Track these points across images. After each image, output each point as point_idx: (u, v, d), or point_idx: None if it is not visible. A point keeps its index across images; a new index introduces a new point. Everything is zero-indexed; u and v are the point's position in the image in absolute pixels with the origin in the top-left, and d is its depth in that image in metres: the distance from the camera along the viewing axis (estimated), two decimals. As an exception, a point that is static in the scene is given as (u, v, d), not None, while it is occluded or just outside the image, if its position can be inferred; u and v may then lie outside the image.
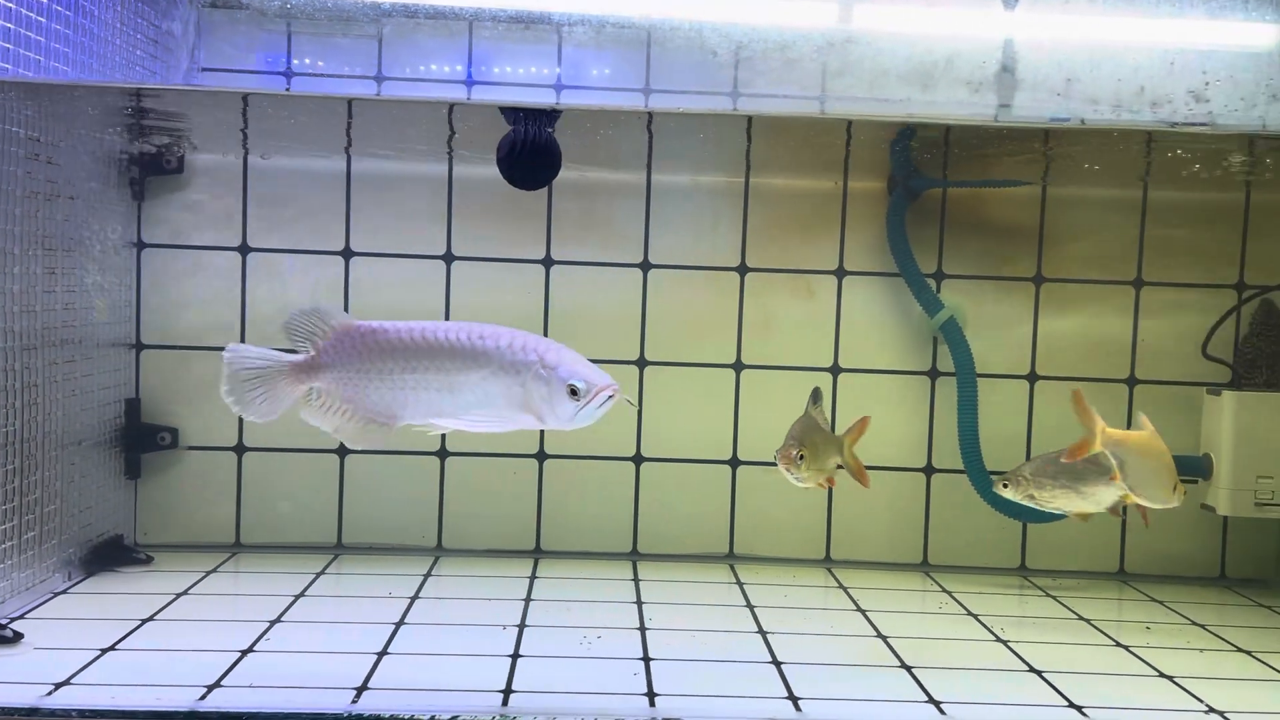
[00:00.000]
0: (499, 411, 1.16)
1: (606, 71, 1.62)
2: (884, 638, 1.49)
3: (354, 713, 1.15)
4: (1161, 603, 1.73)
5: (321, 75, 1.85)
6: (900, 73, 1.43)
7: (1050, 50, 1.43)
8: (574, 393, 1.14)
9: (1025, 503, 1.44)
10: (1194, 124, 1.42)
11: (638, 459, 1.88)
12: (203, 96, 1.69)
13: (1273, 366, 1.78)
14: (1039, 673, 1.36)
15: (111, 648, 1.33)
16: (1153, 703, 1.28)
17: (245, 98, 1.59)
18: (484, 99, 1.75)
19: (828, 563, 1.89)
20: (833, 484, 1.42)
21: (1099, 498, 1.42)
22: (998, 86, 1.43)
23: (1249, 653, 1.48)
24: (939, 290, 1.85)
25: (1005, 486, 1.46)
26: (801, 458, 1.33)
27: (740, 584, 1.75)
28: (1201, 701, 1.28)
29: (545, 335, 1.86)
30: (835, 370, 1.88)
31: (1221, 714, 1.24)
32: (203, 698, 1.17)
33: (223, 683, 1.22)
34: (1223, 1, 1.37)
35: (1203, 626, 1.60)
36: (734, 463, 1.88)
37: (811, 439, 1.35)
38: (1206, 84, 1.36)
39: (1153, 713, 1.25)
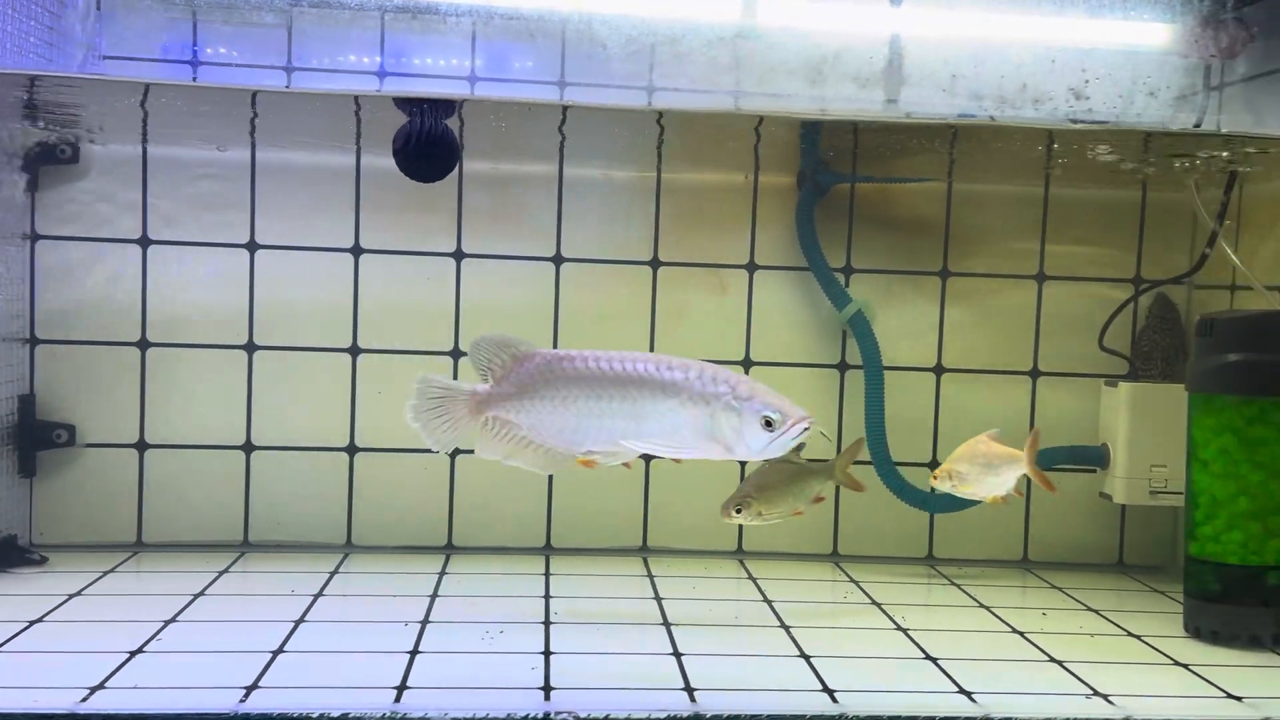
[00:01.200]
0: (684, 439, 1.20)
1: (505, 63, 1.61)
2: (787, 628, 1.50)
3: (241, 712, 1.13)
4: (1061, 589, 1.77)
5: (229, 65, 1.82)
6: (790, 68, 1.44)
7: (935, 46, 1.46)
8: (768, 424, 1.16)
9: (756, 522, 1.51)
10: (1094, 121, 1.46)
11: (550, 453, 1.87)
12: (103, 86, 1.64)
13: (1168, 359, 1.83)
14: (934, 660, 1.39)
15: (-5, 650, 1.29)
16: (1041, 687, 1.31)
17: (146, 87, 1.55)
18: (392, 90, 1.73)
19: (740, 554, 1.90)
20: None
21: (809, 491, 1.55)
22: (885, 82, 1.45)
23: (1139, 637, 1.52)
24: (847, 284, 1.88)
25: (738, 512, 1.50)
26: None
27: (651, 577, 1.76)
28: (1087, 685, 1.31)
29: (456, 329, 1.86)
30: (747, 363, 1.89)
31: (1105, 697, 1.27)
32: (85, 699, 1.15)
33: (107, 684, 1.20)
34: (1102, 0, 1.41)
35: (1097, 612, 1.64)
36: (648, 456, 1.88)
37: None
38: (1086, 81, 1.39)
39: (1039, 697, 1.28)
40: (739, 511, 1.50)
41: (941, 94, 1.43)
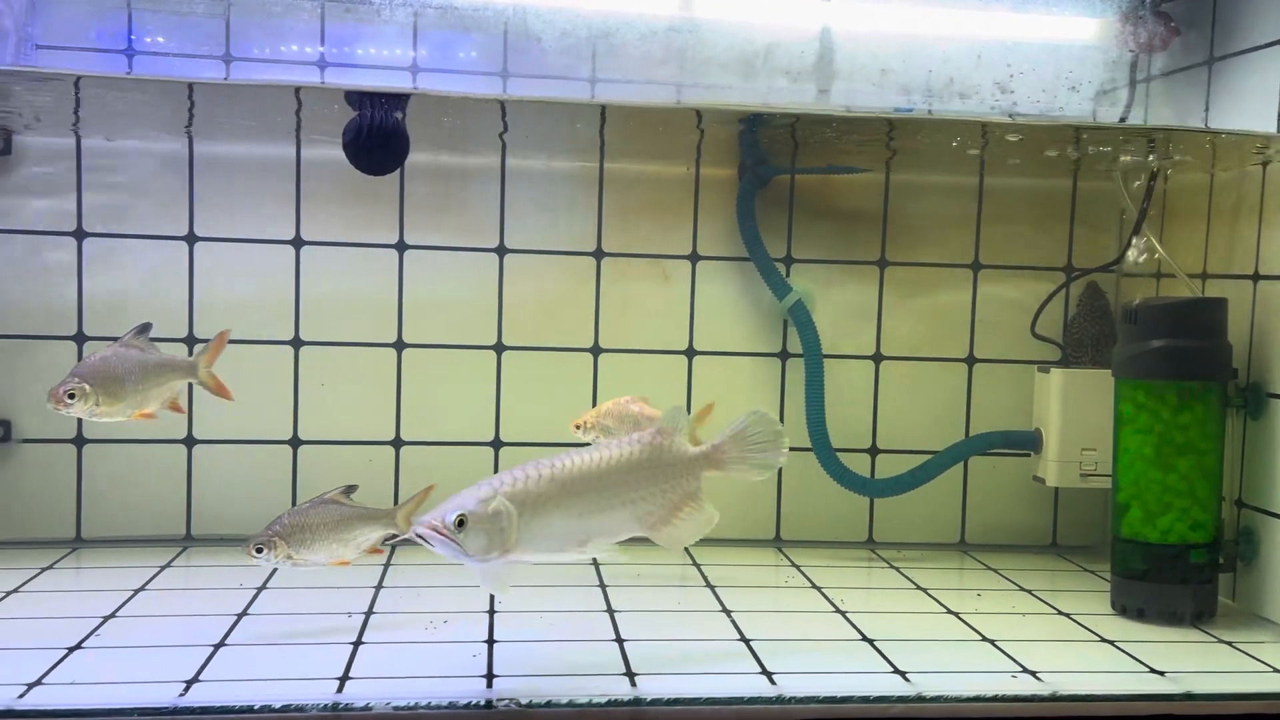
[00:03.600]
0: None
1: (447, 56, 1.61)
2: (729, 612, 1.53)
3: (181, 705, 1.13)
4: (995, 570, 1.82)
5: (165, 55, 1.80)
6: (723, 61, 1.46)
7: (865, 40, 1.48)
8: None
9: (285, 564, 1.35)
10: (1019, 115, 1.49)
11: (496, 444, 1.88)
12: (36, 78, 1.61)
13: (1097, 345, 1.88)
14: (870, 641, 1.42)
15: (-71, 649, 1.28)
16: (972, 665, 1.35)
17: (77, 80, 1.53)
18: (337, 83, 1.73)
19: (684, 541, 1.92)
20: (179, 410, 1.44)
21: (359, 539, 1.40)
22: (816, 76, 1.47)
23: (1068, 615, 1.57)
24: (788, 274, 1.91)
25: (258, 552, 1.34)
26: (72, 395, 1.33)
27: (595, 564, 1.78)
28: (1017, 662, 1.35)
29: (399, 321, 1.85)
30: (690, 353, 1.91)
31: (1033, 673, 1.31)
32: (22, 695, 1.14)
33: (45, 680, 1.19)
34: (1026, -5, 1.44)
35: (1030, 592, 1.69)
36: (592, 445, 1.90)
37: (106, 372, 1.34)
38: (1011, 75, 1.42)
39: (970, 675, 1.31)
40: (259, 551, 1.33)
41: (872, 87, 1.45)
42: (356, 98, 1.46)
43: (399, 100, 1.45)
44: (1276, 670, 1.36)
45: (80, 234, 1.76)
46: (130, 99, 1.61)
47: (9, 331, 1.74)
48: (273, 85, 1.59)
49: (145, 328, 1.41)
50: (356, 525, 1.40)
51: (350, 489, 1.43)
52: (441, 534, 1.08)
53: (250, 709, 1.13)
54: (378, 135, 1.45)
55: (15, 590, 1.52)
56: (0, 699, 1.13)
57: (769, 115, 1.42)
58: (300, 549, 1.35)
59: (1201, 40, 1.65)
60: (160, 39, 1.77)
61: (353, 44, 1.64)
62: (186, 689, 1.18)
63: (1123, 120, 1.65)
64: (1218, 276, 1.69)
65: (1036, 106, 1.45)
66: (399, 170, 1.82)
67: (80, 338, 1.76)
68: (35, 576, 1.60)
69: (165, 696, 1.15)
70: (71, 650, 1.28)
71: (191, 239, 1.79)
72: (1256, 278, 1.60)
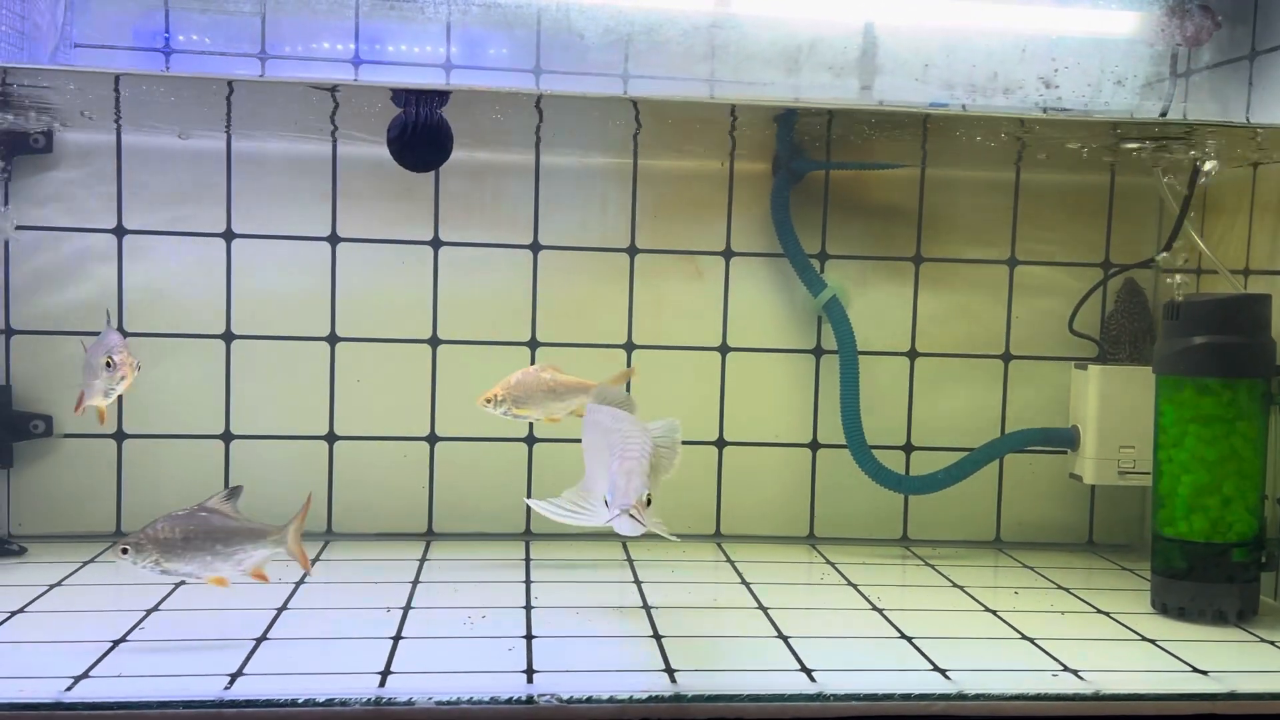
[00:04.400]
0: None
1: (482, 52, 1.62)
2: (765, 609, 1.53)
3: (227, 699, 1.14)
4: (1032, 568, 1.81)
5: (202, 53, 1.81)
6: (766, 57, 1.46)
7: (908, 36, 1.48)
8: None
9: (154, 570, 1.27)
10: (1063, 110, 1.48)
11: (530, 440, 1.89)
12: (75, 75, 1.63)
13: (1135, 342, 1.86)
14: (909, 638, 1.41)
15: (-24, 641, 1.29)
16: (1012, 663, 1.34)
17: (117, 78, 1.54)
18: (372, 80, 1.73)
19: (717, 537, 1.93)
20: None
21: (243, 559, 1.30)
22: (859, 71, 1.47)
23: (1107, 614, 1.56)
24: (822, 270, 1.90)
25: (124, 552, 1.26)
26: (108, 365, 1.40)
27: (630, 560, 1.78)
28: (1057, 661, 1.34)
29: (434, 317, 1.86)
30: (724, 349, 1.91)
31: (1075, 672, 1.31)
32: (69, 689, 1.16)
33: (91, 673, 1.20)
34: (1070, -12, 1.43)
35: (1067, 590, 1.68)
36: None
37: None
38: (1056, 70, 1.41)
39: (1012, 673, 1.31)
40: (125, 553, 1.26)
41: (914, 83, 1.44)
42: (403, 95, 1.47)
43: (444, 97, 1.45)
44: (1322, 670, 1.34)
45: (120, 230, 1.78)
46: (168, 97, 1.62)
47: (50, 327, 1.76)
48: (305, 83, 1.60)
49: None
50: (239, 541, 1.28)
51: (235, 491, 1.33)
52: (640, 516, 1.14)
53: (294, 703, 1.14)
54: (423, 132, 1.45)
55: (58, 584, 1.54)
56: (48, 692, 1.14)
57: (809, 110, 1.41)
58: (171, 558, 1.26)
59: (1244, 34, 1.63)
60: (196, 37, 1.78)
61: (394, 41, 1.65)
62: (231, 682, 1.19)
63: (1164, 115, 1.63)
64: (1260, 272, 1.67)
65: (1081, 101, 1.43)
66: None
67: (120, 334, 1.77)
68: (77, 570, 1.61)
69: (211, 690, 1.16)
70: (116, 644, 1.30)
71: (229, 235, 1.80)
72: (1300, 273, 1.58)
